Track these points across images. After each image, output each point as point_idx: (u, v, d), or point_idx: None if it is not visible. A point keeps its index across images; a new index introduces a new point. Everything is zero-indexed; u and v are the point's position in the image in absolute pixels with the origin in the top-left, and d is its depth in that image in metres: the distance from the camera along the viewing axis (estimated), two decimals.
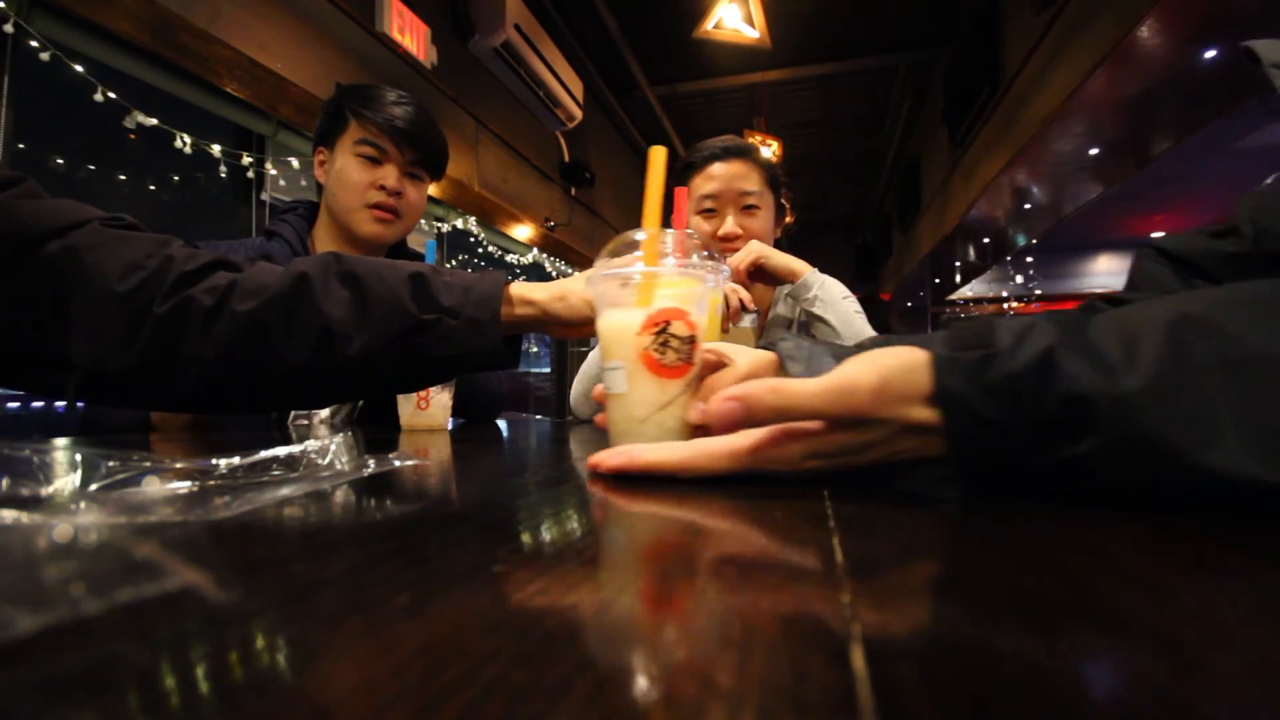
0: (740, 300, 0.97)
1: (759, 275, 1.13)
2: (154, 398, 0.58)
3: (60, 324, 0.51)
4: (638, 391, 0.49)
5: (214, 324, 0.53)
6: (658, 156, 0.56)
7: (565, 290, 0.65)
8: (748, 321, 0.99)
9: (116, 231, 0.54)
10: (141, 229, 0.57)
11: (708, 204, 1.16)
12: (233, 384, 0.55)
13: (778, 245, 1.25)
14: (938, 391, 0.31)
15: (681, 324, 0.48)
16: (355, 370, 0.56)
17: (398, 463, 0.40)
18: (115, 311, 0.51)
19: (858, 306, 1.09)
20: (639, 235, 0.52)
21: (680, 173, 1.21)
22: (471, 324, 0.58)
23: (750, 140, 1.26)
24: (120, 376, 0.53)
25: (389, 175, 1.06)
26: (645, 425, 0.49)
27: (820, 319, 1.06)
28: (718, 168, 1.15)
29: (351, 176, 1.04)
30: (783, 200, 1.24)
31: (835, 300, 1.06)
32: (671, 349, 0.48)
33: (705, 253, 0.51)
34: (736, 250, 1.14)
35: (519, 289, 0.64)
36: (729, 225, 1.14)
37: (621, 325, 0.49)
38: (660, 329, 0.48)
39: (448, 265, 3.22)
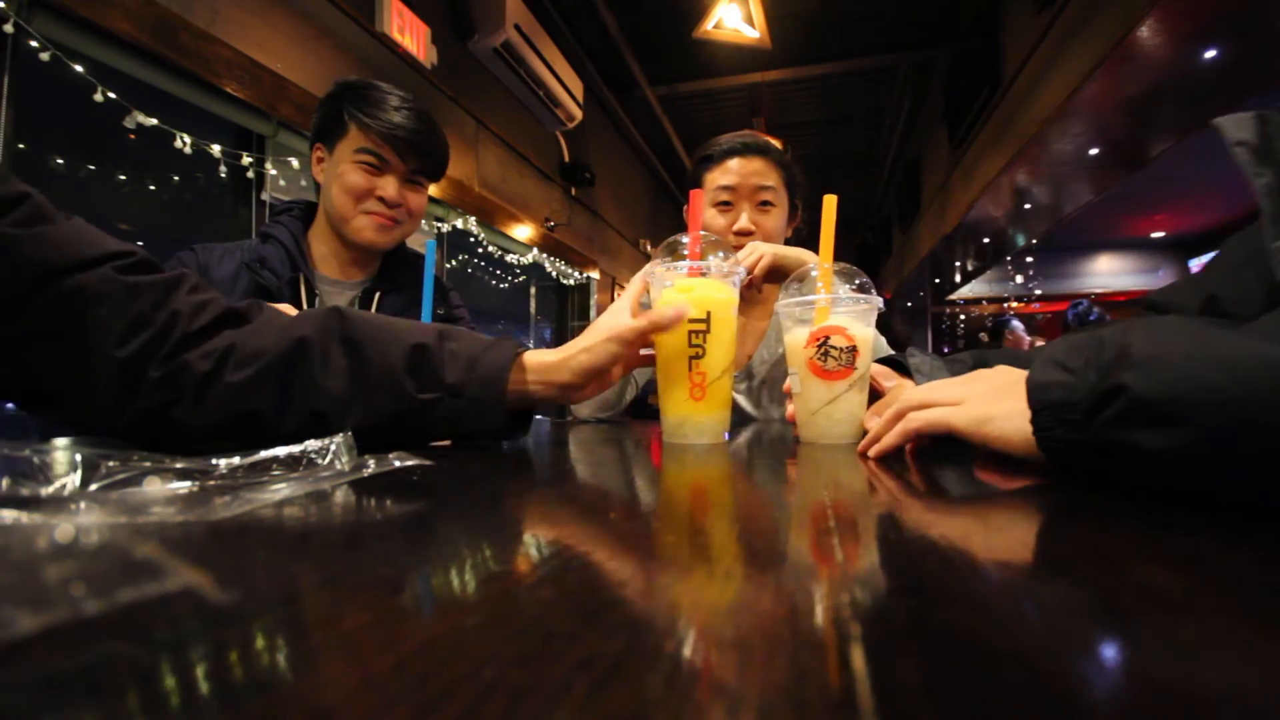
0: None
1: (774, 276, 1.13)
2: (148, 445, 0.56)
3: (56, 373, 0.48)
4: (809, 391, 0.65)
5: (207, 392, 0.50)
6: (831, 205, 0.68)
7: (570, 357, 0.60)
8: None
9: (128, 280, 0.50)
10: (155, 266, 0.54)
11: (724, 197, 1.15)
12: (225, 443, 0.51)
13: (786, 244, 1.24)
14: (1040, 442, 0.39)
15: (841, 337, 0.63)
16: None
17: (398, 463, 0.40)
18: (112, 377, 0.48)
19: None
20: (814, 270, 0.67)
21: (698, 164, 1.20)
22: (475, 404, 0.55)
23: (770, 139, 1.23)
24: (111, 431, 0.51)
25: (389, 186, 1.03)
26: (816, 417, 0.64)
27: None
28: (736, 163, 1.15)
29: (350, 181, 1.02)
30: (797, 201, 1.23)
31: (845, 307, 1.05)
32: (831, 357, 0.63)
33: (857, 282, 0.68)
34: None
35: (533, 360, 0.59)
36: (743, 221, 1.14)
37: (795, 340, 0.67)
38: (821, 343, 0.63)
39: (448, 265, 3.23)
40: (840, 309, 0.65)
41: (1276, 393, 0.27)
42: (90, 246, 0.49)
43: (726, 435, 0.67)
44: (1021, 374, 0.43)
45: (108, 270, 0.49)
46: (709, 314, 0.63)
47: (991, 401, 0.45)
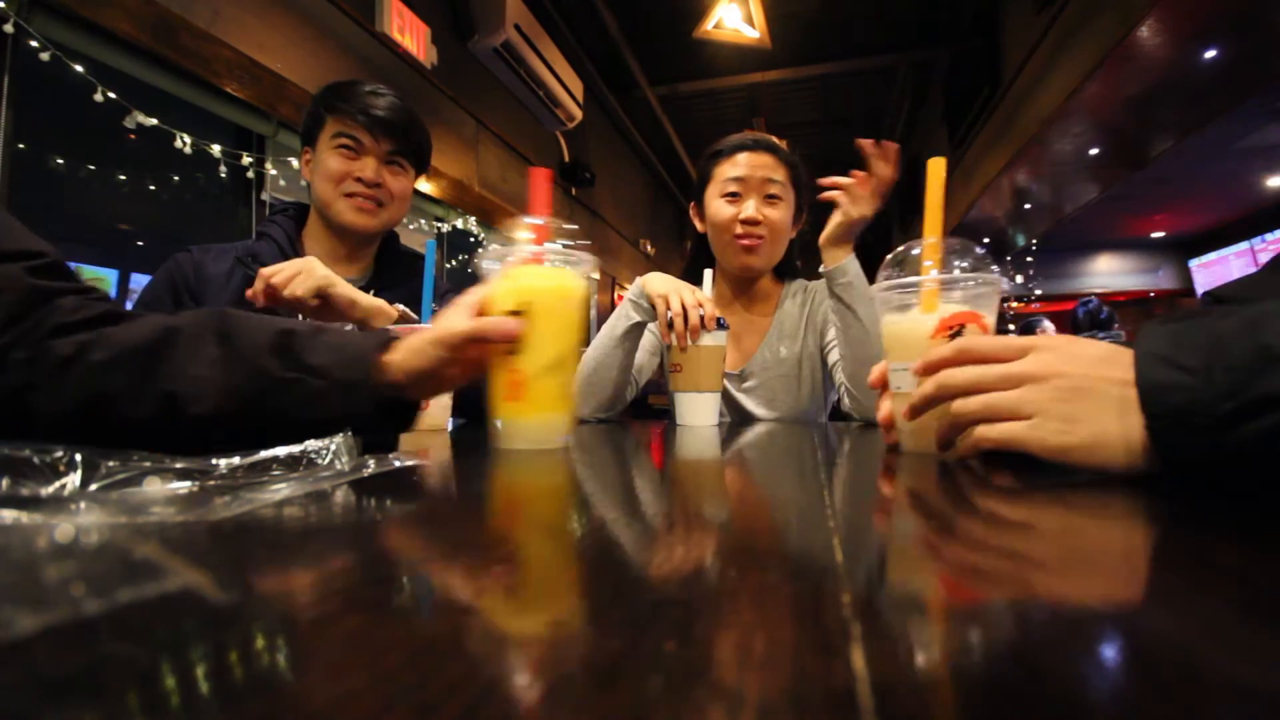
0: (702, 316, 0.94)
1: (779, 271, 1.11)
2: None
3: None
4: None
5: (66, 375, 0.49)
6: (938, 168, 0.58)
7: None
8: (710, 339, 0.96)
9: (32, 281, 0.50)
10: (67, 272, 0.54)
11: (732, 188, 1.17)
12: (85, 435, 0.49)
13: (791, 246, 1.25)
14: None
15: (976, 327, 0.52)
16: (201, 432, 0.50)
17: (398, 463, 0.40)
18: None
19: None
20: (917, 248, 0.55)
21: (707, 159, 1.23)
22: (338, 386, 0.52)
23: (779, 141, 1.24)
24: None
25: (366, 167, 1.06)
26: (929, 418, 0.51)
27: (848, 306, 1.04)
28: (745, 156, 1.18)
29: (329, 166, 1.05)
30: (803, 202, 1.24)
31: (865, 294, 1.04)
32: None
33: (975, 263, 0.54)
34: (757, 236, 1.15)
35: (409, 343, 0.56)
36: (750, 209, 1.15)
37: (903, 331, 0.54)
38: (955, 333, 0.52)
39: (448, 265, 3.23)
40: (957, 291, 0.53)
41: None
42: (9, 241, 0.50)
43: (565, 440, 0.59)
44: (1102, 354, 0.38)
45: (17, 268, 0.50)
46: (530, 305, 0.55)
47: (1076, 410, 0.37)
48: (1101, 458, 0.36)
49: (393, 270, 1.15)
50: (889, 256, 0.58)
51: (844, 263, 1.05)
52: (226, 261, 1.04)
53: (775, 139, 1.24)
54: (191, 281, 1.02)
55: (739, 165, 1.18)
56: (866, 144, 1.09)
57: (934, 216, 0.57)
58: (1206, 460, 0.32)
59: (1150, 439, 0.34)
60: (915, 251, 0.56)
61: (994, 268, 0.53)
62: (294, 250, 1.07)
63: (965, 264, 0.54)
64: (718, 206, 1.18)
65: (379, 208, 1.08)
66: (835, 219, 1.07)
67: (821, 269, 1.09)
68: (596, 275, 0.61)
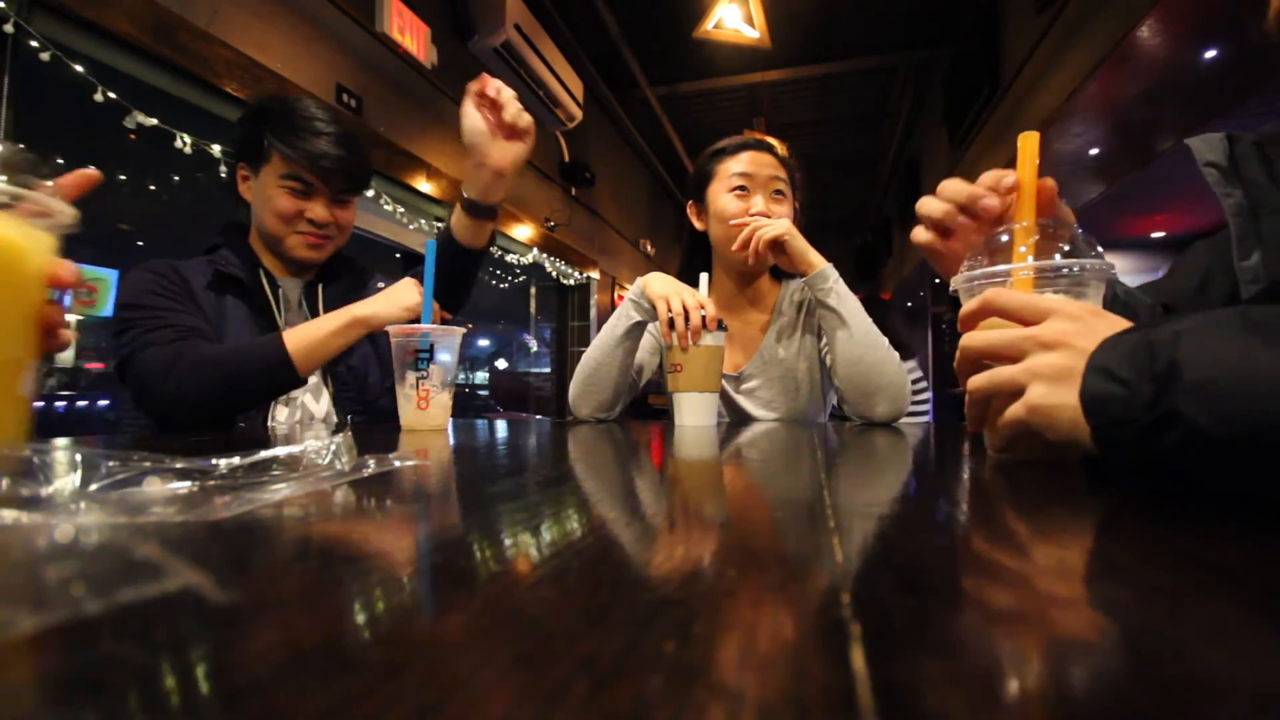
0: (704, 318, 0.95)
1: (778, 252, 1.15)
2: None
3: None
4: None
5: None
6: (1031, 144, 0.52)
7: None
8: (710, 339, 0.97)
9: None
10: None
11: (740, 182, 1.19)
12: None
13: None
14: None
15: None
16: None
17: (398, 463, 0.40)
18: None
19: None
20: (1004, 235, 0.49)
21: (709, 158, 1.25)
22: None
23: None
24: None
25: (317, 209, 1.07)
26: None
27: (833, 310, 1.06)
28: (750, 154, 1.20)
29: (279, 205, 1.04)
30: (797, 203, 1.25)
31: (847, 296, 1.07)
32: None
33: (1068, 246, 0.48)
34: None
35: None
36: (760, 205, 1.17)
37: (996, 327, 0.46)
38: None
39: None
40: (1054, 279, 0.46)
41: None
42: None
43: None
44: (1094, 340, 0.37)
45: None
46: None
47: (1064, 390, 0.37)
48: (1060, 436, 0.37)
49: (336, 266, 1.18)
50: (973, 247, 0.52)
51: (824, 269, 1.08)
52: (197, 268, 1.05)
53: (773, 140, 1.26)
54: (179, 283, 1.01)
55: (744, 162, 1.19)
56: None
57: (1028, 198, 0.51)
58: (1140, 466, 0.33)
59: (1094, 443, 0.35)
60: (1004, 238, 0.49)
61: (1098, 250, 0.47)
62: (259, 265, 1.09)
63: (1066, 249, 0.47)
64: (726, 201, 1.19)
65: (328, 241, 1.11)
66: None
67: (803, 280, 1.11)
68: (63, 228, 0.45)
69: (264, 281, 1.08)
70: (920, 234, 0.62)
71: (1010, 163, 0.56)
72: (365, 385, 1.13)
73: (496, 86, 0.95)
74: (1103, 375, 0.34)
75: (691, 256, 1.30)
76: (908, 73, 4.76)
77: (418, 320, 0.89)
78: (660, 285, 1.01)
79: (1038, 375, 0.39)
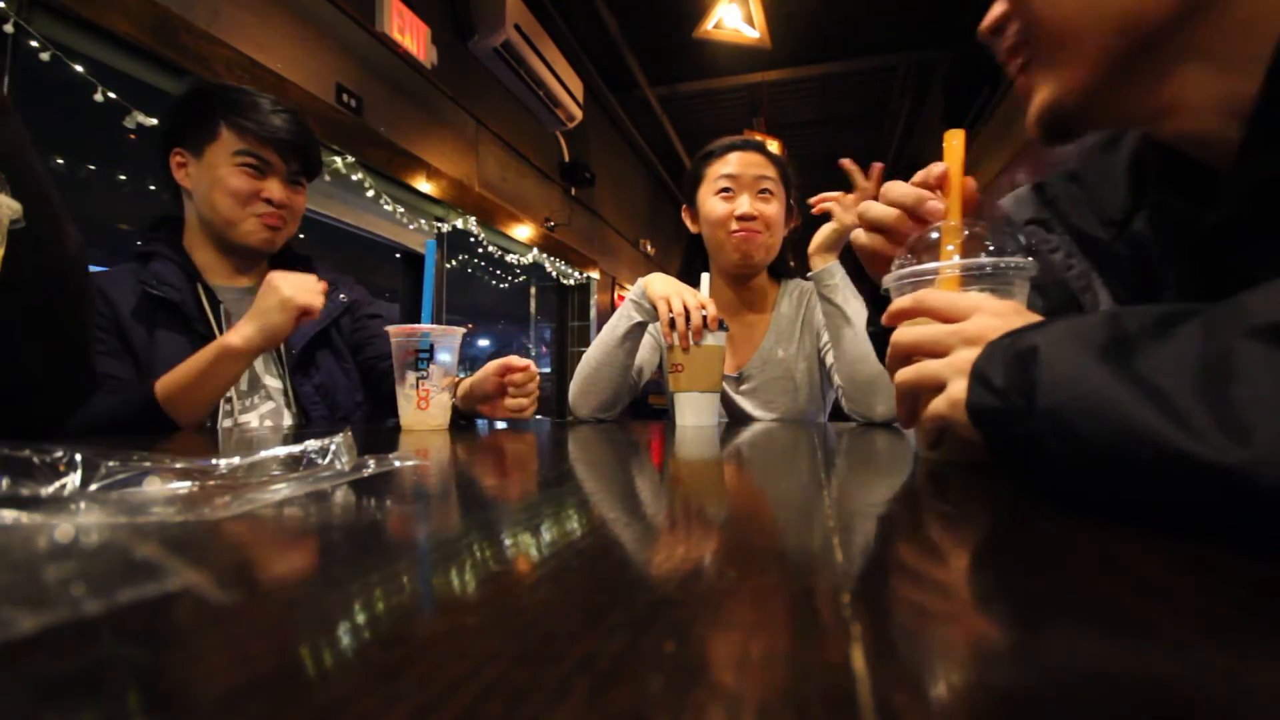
0: (705, 318, 0.96)
1: (773, 271, 1.16)
2: None
3: None
4: None
5: None
6: (954, 141, 0.52)
7: None
8: (711, 340, 0.97)
9: None
10: None
11: (725, 184, 1.20)
12: None
13: (784, 245, 1.27)
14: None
15: None
16: None
17: (398, 463, 0.40)
18: None
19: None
20: (935, 233, 0.49)
21: (699, 161, 1.26)
22: None
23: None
24: None
25: (274, 188, 1.03)
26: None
27: (838, 308, 1.07)
28: (736, 155, 1.21)
29: (233, 185, 1.01)
30: (792, 202, 1.26)
31: (852, 296, 1.08)
32: None
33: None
34: (754, 230, 1.17)
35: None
36: (745, 205, 1.18)
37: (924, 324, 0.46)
38: None
39: (448, 265, 3.23)
40: (977, 276, 0.46)
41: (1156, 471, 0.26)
42: None
43: None
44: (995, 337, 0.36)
45: None
46: None
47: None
48: (974, 434, 0.36)
49: (277, 261, 1.13)
50: (907, 242, 0.52)
51: (830, 265, 1.09)
52: (125, 283, 0.98)
53: (764, 139, 1.28)
54: (105, 310, 0.95)
55: (731, 163, 1.20)
56: (848, 164, 1.18)
57: (955, 197, 0.50)
58: (1030, 474, 0.33)
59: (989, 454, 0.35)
60: (934, 236, 0.49)
61: (1021, 243, 0.47)
62: (191, 265, 1.04)
63: (991, 247, 0.47)
64: (712, 204, 1.20)
65: (283, 224, 1.07)
66: (830, 226, 1.13)
67: (809, 274, 1.12)
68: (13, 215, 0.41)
69: (203, 299, 1.02)
70: (863, 237, 0.61)
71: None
72: (334, 404, 1.10)
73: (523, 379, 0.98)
74: (981, 384, 0.34)
75: (692, 257, 1.31)
76: (908, 73, 4.76)
77: (298, 328, 0.90)
78: (661, 286, 1.02)
79: (959, 370, 0.38)
